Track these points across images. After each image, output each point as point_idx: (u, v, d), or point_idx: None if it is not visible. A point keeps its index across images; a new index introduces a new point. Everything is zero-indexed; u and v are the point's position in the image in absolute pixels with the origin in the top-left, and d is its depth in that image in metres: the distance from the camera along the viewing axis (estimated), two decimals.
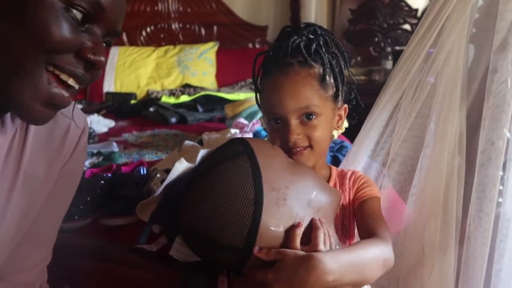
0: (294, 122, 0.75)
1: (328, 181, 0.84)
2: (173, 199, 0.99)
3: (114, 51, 2.90)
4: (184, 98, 2.40)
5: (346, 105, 0.84)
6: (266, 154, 0.69)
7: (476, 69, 0.88)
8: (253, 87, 0.87)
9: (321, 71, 0.77)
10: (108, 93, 2.74)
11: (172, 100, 2.41)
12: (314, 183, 0.71)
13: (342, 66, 0.81)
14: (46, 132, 0.65)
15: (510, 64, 0.83)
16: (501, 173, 0.83)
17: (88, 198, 1.07)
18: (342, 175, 0.86)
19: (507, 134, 0.83)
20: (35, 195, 0.66)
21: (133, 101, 2.56)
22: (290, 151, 0.77)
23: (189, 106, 2.21)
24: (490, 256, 0.86)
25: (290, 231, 0.65)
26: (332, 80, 0.79)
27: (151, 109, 2.19)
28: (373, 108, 1.03)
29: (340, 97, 0.81)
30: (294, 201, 0.65)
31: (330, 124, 0.81)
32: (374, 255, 0.69)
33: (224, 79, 2.81)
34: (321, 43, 0.79)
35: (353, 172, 0.87)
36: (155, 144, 1.72)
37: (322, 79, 0.77)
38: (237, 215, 0.62)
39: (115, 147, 1.59)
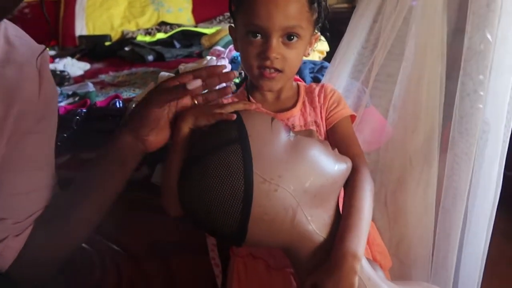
0: (276, 40, 0.72)
1: (296, 102, 0.82)
2: None
3: None
4: (160, 36, 2.30)
5: (319, 33, 0.82)
6: (262, 140, 0.63)
7: None
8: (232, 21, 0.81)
9: None
10: (81, 37, 2.63)
11: (147, 38, 2.31)
12: (313, 165, 0.65)
13: None
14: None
15: None
16: (481, 77, 0.82)
17: (65, 135, 1.05)
18: (310, 91, 0.83)
19: (489, 37, 0.81)
20: None
21: (107, 43, 2.45)
22: (262, 73, 0.74)
23: (166, 43, 2.12)
24: None
25: None
26: (316, 5, 0.76)
27: (126, 49, 2.10)
28: (349, 27, 0.99)
29: (319, 24, 0.79)
30: (286, 190, 0.61)
31: (305, 49, 0.78)
32: (370, 203, 0.70)
33: (201, 14, 2.70)
34: None
35: (322, 87, 0.84)
36: (133, 82, 1.66)
37: (311, 1, 0.74)
38: (226, 211, 0.60)
39: (90, 87, 1.53)
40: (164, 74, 1.19)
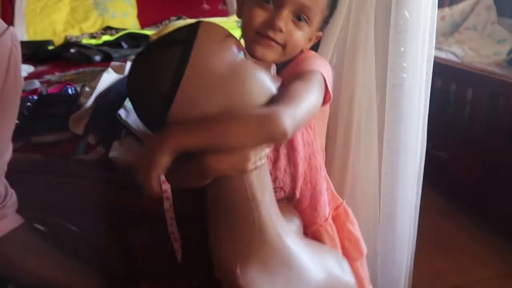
0: (287, 12, 0.71)
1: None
2: (105, 108, 1.01)
3: None
4: (106, 38, 2.30)
5: (320, 33, 0.82)
6: (206, 49, 0.60)
7: None
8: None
9: None
10: (22, 42, 2.54)
11: (93, 41, 2.30)
12: (246, 94, 0.61)
13: None
14: None
15: None
16: (402, 49, 0.94)
17: (17, 121, 1.04)
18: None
19: (406, 14, 0.94)
20: None
21: (50, 47, 2.41)
22: (259, 39, 0.71)
23: (113, 44, 2.13)
24: None
25: None
26: (331, 2, 0.78)
27: (72, 50, 2.08)
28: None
29: (325, 23, 0.81)
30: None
31: (307, 39, 0.77)
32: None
33: (147, 19, 2.72)
34: None
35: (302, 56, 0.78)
36: (81, 79, 1.66)
37: None
38: (148, 106, 0.61)
39: (37, 84, 1.52)
40: (115, 63, 1.22)
